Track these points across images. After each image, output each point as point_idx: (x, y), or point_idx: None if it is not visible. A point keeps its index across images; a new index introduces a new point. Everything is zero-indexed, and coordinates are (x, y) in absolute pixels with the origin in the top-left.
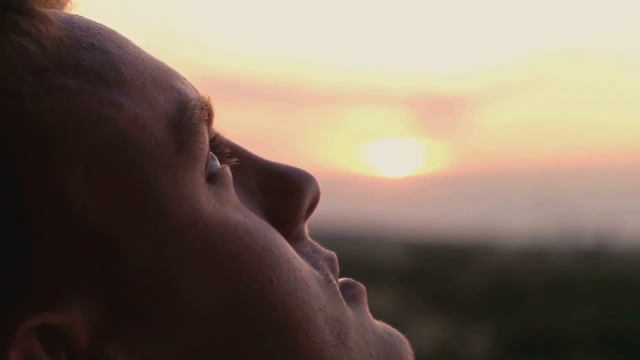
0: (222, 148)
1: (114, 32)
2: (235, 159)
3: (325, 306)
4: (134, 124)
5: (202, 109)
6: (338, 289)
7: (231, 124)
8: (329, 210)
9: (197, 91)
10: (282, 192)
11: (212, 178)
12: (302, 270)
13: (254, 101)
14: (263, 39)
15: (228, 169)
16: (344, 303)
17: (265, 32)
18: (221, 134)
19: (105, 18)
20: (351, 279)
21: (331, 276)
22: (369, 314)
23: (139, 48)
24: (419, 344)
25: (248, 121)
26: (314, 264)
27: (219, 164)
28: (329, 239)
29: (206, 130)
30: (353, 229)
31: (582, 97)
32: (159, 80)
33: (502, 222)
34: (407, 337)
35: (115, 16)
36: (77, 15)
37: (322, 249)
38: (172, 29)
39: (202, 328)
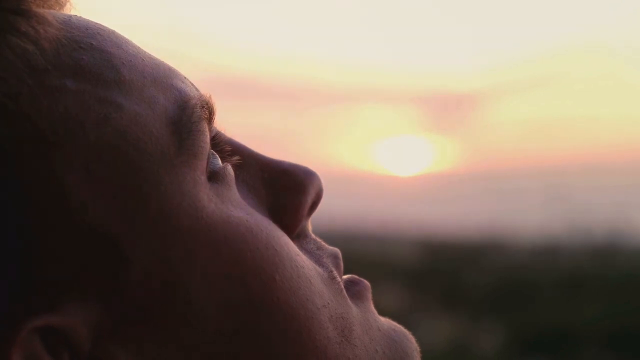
0: (223, 146)
1: (113, 32)
2: (237, 157)
3: (329, 303)
4: (134, 123)
5: (203, 107)
6: (342, 286)
7: (242, 123)
8: (339, 208)
9: (197, 90)
10: (285, 189)
11: (214, 176)
12: (305, 267)
13: (264, 100)
14: (273, 38)
15: (230, 167)
16: (348, 300)
17: (275, 31)
18: (223, 132)
19: (112, 19)
20: (355, 276)
21: (335, 273)
22: (374, 311)
23: (139, 47)
24: (430, 342)
25: (259, 120)
26: (318, 261)
27: (220, 162)
28: (339, 237)
29: (207, 129)
30: (364, 227)
31: (592, 93)
32: (158, 79)
33: (513, 220)
34: (418, 335)
35: (124, 16)
36: (76, 15)
37: (326, 245)
38: (182, 28)
39: (206, 327)
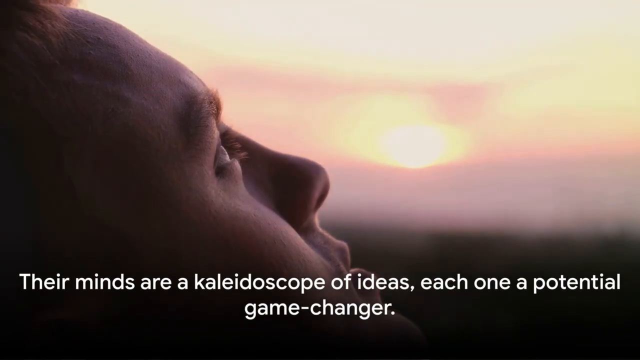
0: (231, 142)
1: (120, 26)
2: (244, 152)
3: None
4: (142, 118)
5: (211, 102)
6: (349, 280)
7: (251, 113)
8: (350, 199)
9: (204, 85)
10: (292, 183)
11: (221, 171)
12: (313, 262)
13: (274, 90)
14: (283, 27)
15: (237, 163)
16: (356, 294)
17: (285, 21)
18: (231, 127)
19: (117, 10)
20: (362, 270)
21: (342, 267)
22: (382, 304)
23: (146, 42)
24: (439, 332)
25: (268, 110)
26: (325, 255)
27: (228, 157)
28: (349, 228)
29: (214, 124)
30: (374, 218)
31: (603, 83)
32: (166, 74)
33: (524, 211)
34: (427, 325)
35: (130, 7)
36: (83, 10)
37: (334, 239)
38: (190, 17)
39: (213, 319)
